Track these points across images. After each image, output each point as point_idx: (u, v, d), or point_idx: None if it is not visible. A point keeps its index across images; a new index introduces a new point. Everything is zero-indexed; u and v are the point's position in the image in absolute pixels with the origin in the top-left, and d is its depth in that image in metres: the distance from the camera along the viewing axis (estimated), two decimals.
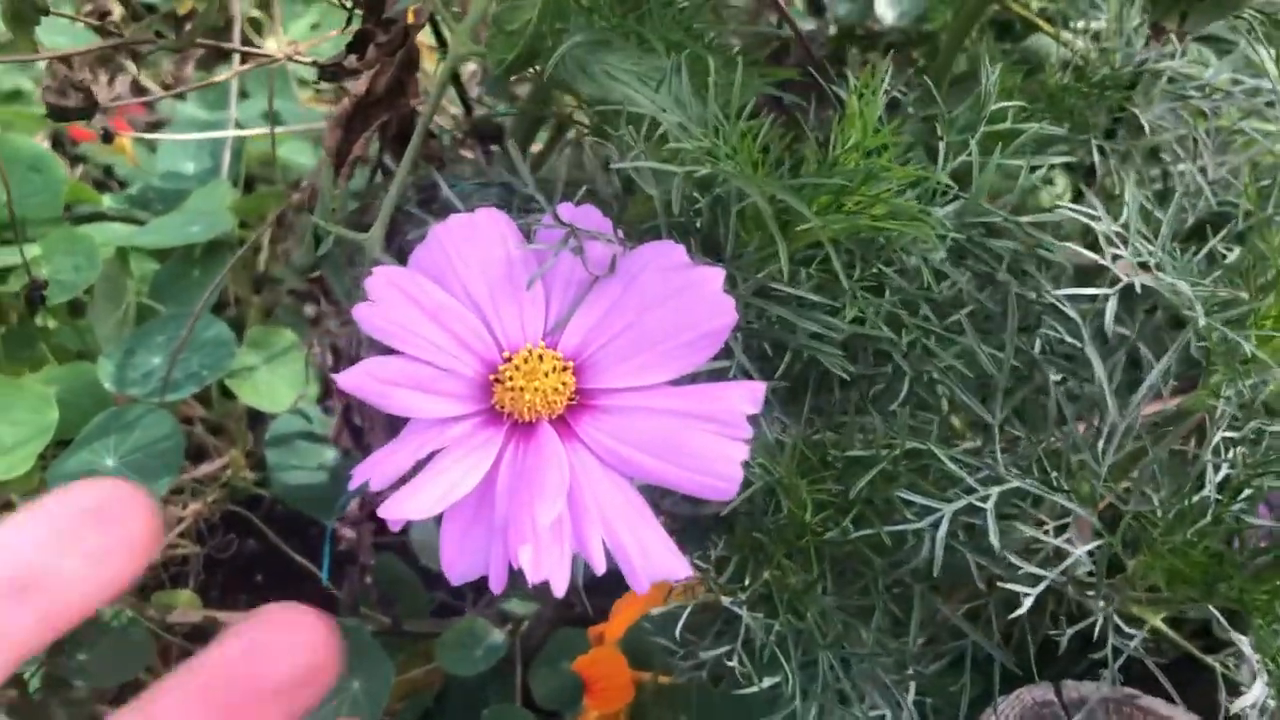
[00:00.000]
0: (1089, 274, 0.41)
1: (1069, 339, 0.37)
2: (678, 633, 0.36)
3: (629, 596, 0.46)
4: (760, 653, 0.35)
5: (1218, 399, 0.33)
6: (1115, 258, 0.33)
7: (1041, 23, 0.44)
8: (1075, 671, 0.41)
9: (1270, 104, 0.44)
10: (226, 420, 0.64)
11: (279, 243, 0.65)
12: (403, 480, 0.27)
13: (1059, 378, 0.38)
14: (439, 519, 0.27)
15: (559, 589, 0.25)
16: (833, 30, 0.58)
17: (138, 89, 0.77)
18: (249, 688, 0.22)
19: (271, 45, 0.80)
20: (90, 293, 0.55)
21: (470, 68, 0.68)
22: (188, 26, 0.42)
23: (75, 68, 0.45)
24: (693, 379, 0.29)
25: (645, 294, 0.29)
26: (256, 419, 0.64)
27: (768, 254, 0.33)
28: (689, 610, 0.35)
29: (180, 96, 0.75)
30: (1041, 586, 0.32)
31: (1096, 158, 0.42)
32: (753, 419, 0.27)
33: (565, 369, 0.28)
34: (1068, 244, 0.36)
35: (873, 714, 0.36)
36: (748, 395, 0.27)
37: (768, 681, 0.34)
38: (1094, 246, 0.35)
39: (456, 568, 0.27)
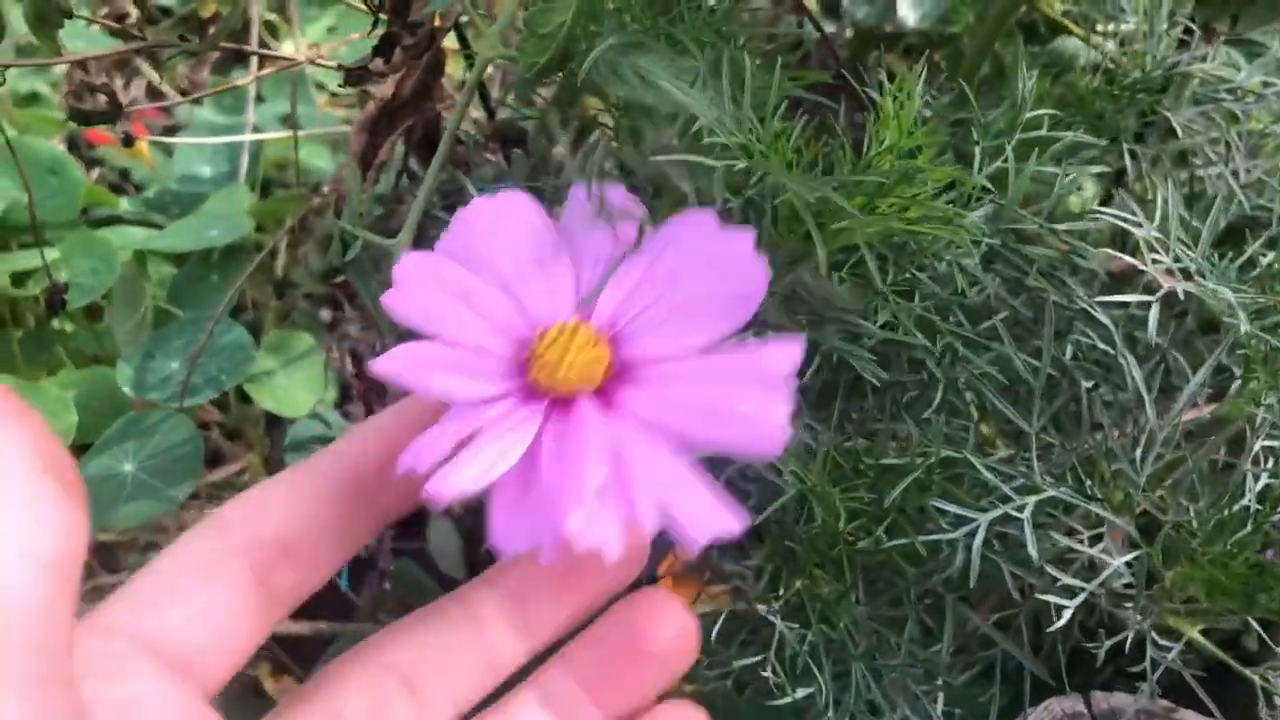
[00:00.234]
0: (1119, 279, 0.41)
1: (1101, 345, 0.36)
2: (711, 640, 0.35)
3: None
4: (791, 662, 0.34)
5: (1258, 406, 0.33)
6: (1155, 262, 0.32)
7: (1070, 25, 0.44)
8: (1098, 682, 0.41)
9: None
10: (244, 425, 0.64)
11: (297, 247, 0.65)
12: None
13: (1090, 384, 0.37)
14: (485, 497, 0.26)
15: (612, 553, 0.25)
16: (849, 33, 0.57)
17: (154, 93, 0.77)
18: (632, 649, 0.28)
19: (289, 48, 0.80)
20: (108, 296, 0.55)
21: (489, 71, 0.68)
22: (210, 30, 0.41)
23: (93, 71, 0.45)
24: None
25: (677, 262, 0.28)
26: (274, 423, 0.63)
27: (799, 257, 0.33)
28: (723, 618, 0.35)
29: (197, 101, 0.75)
30: (1080, 599, 0.31)
31: (1128, 161, 0.41)
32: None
33: (600, 341, 0.28)
34: (1103, 250, 0.36)
35: None
36: (784, 355, 0.27)
37: (801, 692, 0.33)
38: (1125, 250, 0.35)
39: (507, 541, 0.26)
